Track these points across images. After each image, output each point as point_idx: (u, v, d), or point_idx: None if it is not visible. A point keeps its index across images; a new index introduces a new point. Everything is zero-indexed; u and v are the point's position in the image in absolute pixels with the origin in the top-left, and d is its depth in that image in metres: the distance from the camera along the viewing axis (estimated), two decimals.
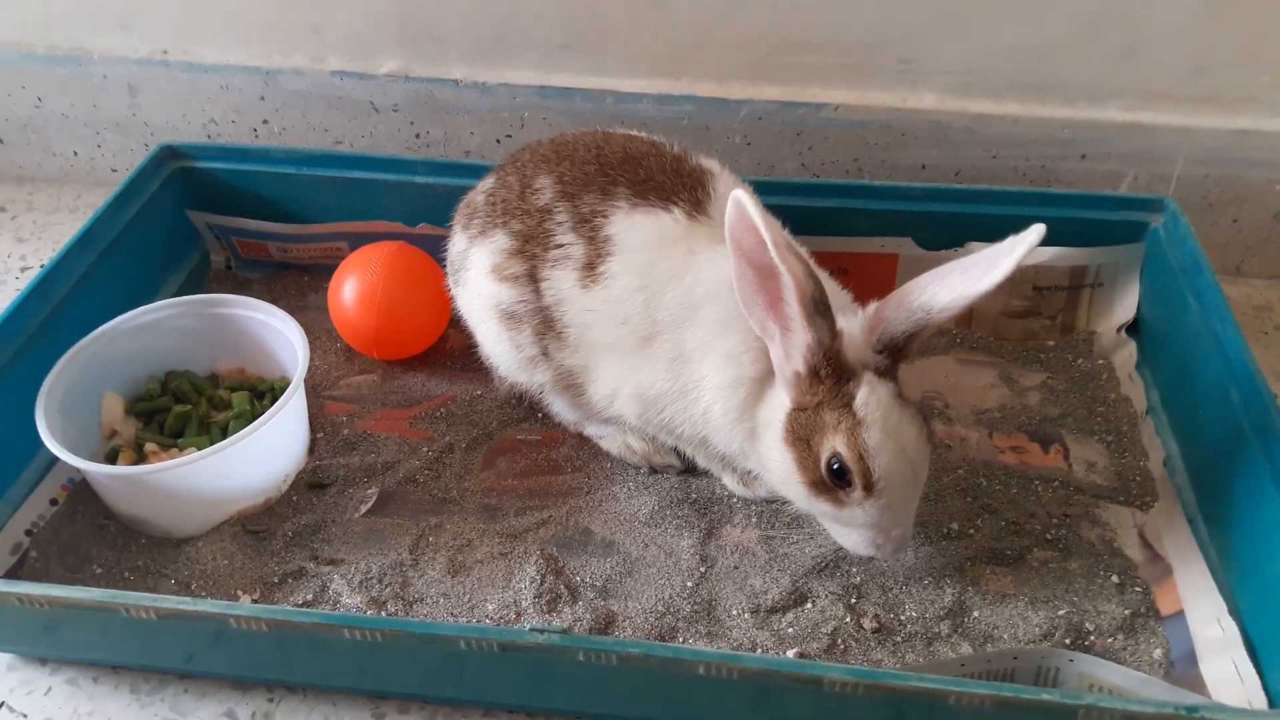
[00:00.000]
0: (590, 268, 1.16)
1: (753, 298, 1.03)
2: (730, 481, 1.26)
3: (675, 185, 1.18)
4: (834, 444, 1.03)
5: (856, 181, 1.57)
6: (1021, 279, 1.45)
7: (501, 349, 1.27)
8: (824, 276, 1.18)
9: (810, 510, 1.11)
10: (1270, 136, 1.52)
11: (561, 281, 1.18)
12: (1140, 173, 1.58)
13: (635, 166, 1.19)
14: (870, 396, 1.03)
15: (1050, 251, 1.43)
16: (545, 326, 1.21)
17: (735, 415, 1.12)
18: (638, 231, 1.15)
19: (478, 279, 1.25)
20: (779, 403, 1.09)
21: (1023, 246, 0.99)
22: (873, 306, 1.08)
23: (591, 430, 1.34)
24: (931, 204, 1.45)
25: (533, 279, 1.20)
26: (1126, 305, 1.44)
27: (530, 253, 1.19)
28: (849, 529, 1.08)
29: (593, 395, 1.23)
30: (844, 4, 1.52)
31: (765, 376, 1.11)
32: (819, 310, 1.01)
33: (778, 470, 1.10)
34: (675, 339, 1.14)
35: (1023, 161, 1.59)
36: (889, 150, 1.62)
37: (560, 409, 1.33)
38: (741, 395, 1.11)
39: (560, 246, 1.17)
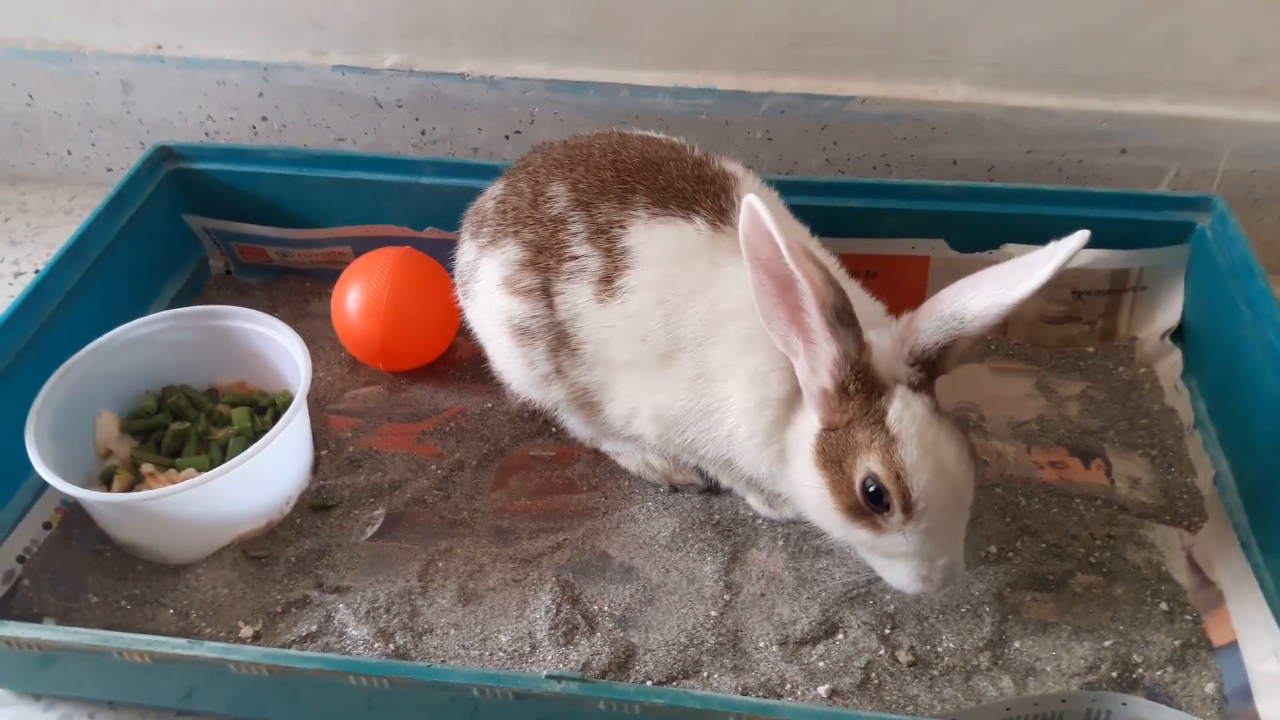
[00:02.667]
0: (607, 281, 1.10)
1: (772, 310, 0.97)
2: (756, 502, 1.20)
3: (697, 193, 1.11)
4: (868, 464, 0.96)
5: (885, 180, 1.50)
6: (1060, 283, 1.38)
7: (514, 366, 1.21)
8: (854, 287, 1.12)
9: (848, 540, 1.05)
10: None
11: (577, 295, 1.11)
12: (1183, 168, 1.50)
13: (655, 173, 1.12)
14: (904, 411, 0.97)
15: (1090, 254, 1.36)
16: (559, 343, 1.15)
17: (762, 438, 1.06)
18: (658, 243, 1.08)
19: (488, 292, 1.18)
20: (808, 424, 1.02)
21: (1063, 252, 0.92)
22: (906, 317, 1.01)
23: (609, 446, 1.27)
24: (965, 203, 1.38)
25: (546, 292, 1.13)
26: (1171, 310, 1.37)
27: (543, 264, 1.13)
28: (891, 560, 1.01)
29: (610, 415, 1.17)
30: None
31: (793, 397, 1.04)
32: (842, 320, 0.94)
33: (810, 496, 1.03)
34: (697, 357, 1.08)
35: (1059, 156, 1.52)
36: (918, 145, 1.54)
37: (575, 426, 1.27)
38: (769, 417, 1.05)
39: (575, 259, 1.11)
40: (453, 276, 1.31)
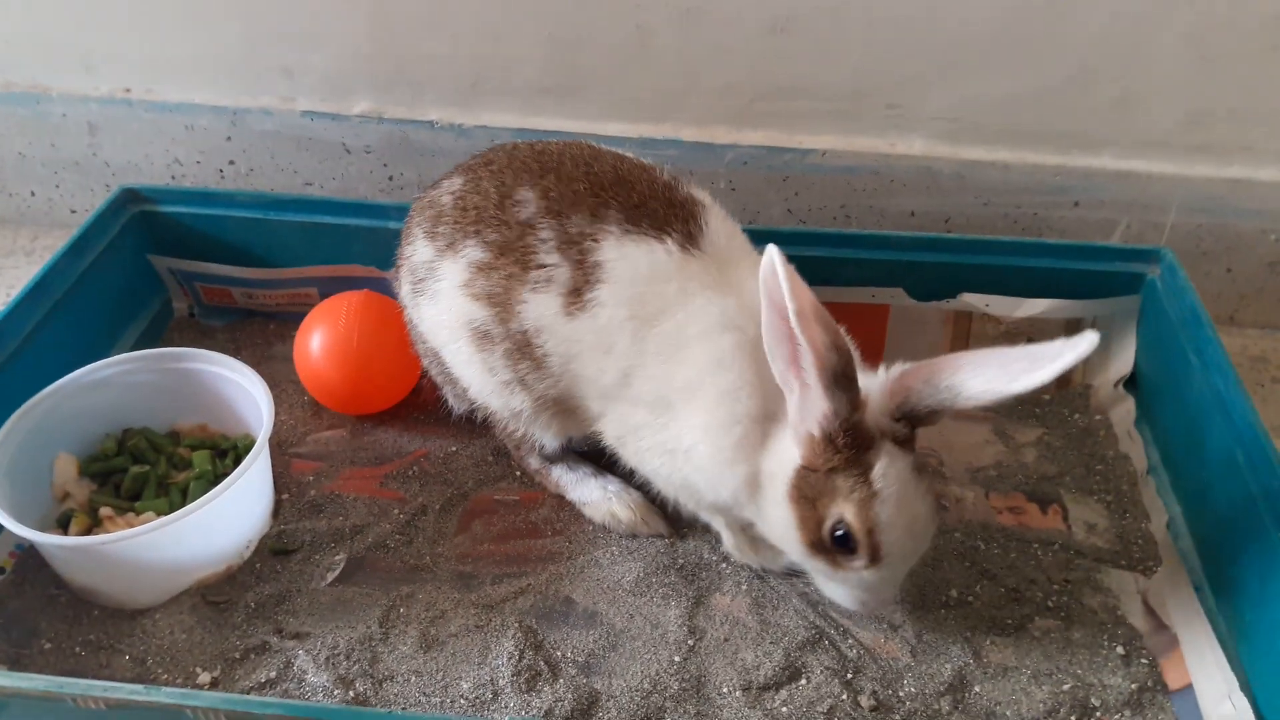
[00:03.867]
0: (576, 294, 1.09)
1: (778, 347, 0.97)
2: (729, 541, 1.20)
3: (668, 214, 1.10)
4: (843, 511, 0.98)
5: (845, 230, 1.53)
6: (1015, 332, 1.41)
7: (472, 371, 1.19)
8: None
9: (802, 564, 1.09)
10: (1264, 186, 1.49)
11: (543, 306, 1.10)
12: (1133, 221, 1.55)
13: (628, 190, 1.12)
14: (889, 469, 0.98)
15: (1044, 304, 1.40)
16: (520, 352, 1.14)
17: (730, 454, 1.05)
18: (629, 261, 1.08)
19: (448, 293, 1.16)
20: (788, 455, 1.02)
21: (1070, 355, 0.92)
22: (897, 369, 1.02)
23: (575, 496, 1.27)
24: (923, 253, 1.41)
25: (507, 297, 1.12)
26: (1123, 359, 1.40)
27: (507, 270, 1.12)
28: (839, 586, 1.06)
29: (582, 423, 1.19)
30: (831, 48, 1.49)
31: (766, 418, 1.05)
32: (838, 383, 0.95)
33: (776, 525, 1.05)
34: (661, 374, 1.08)
35: (1014, 209, 1.56)
36: (877, 196, 1.58)
37: (541, 436, 1.24)
38: (737, 434, 1.05)
39: (543, 267, 1.10)
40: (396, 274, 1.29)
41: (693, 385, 1.07)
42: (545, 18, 1.51)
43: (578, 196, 1.11)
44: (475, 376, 1.20)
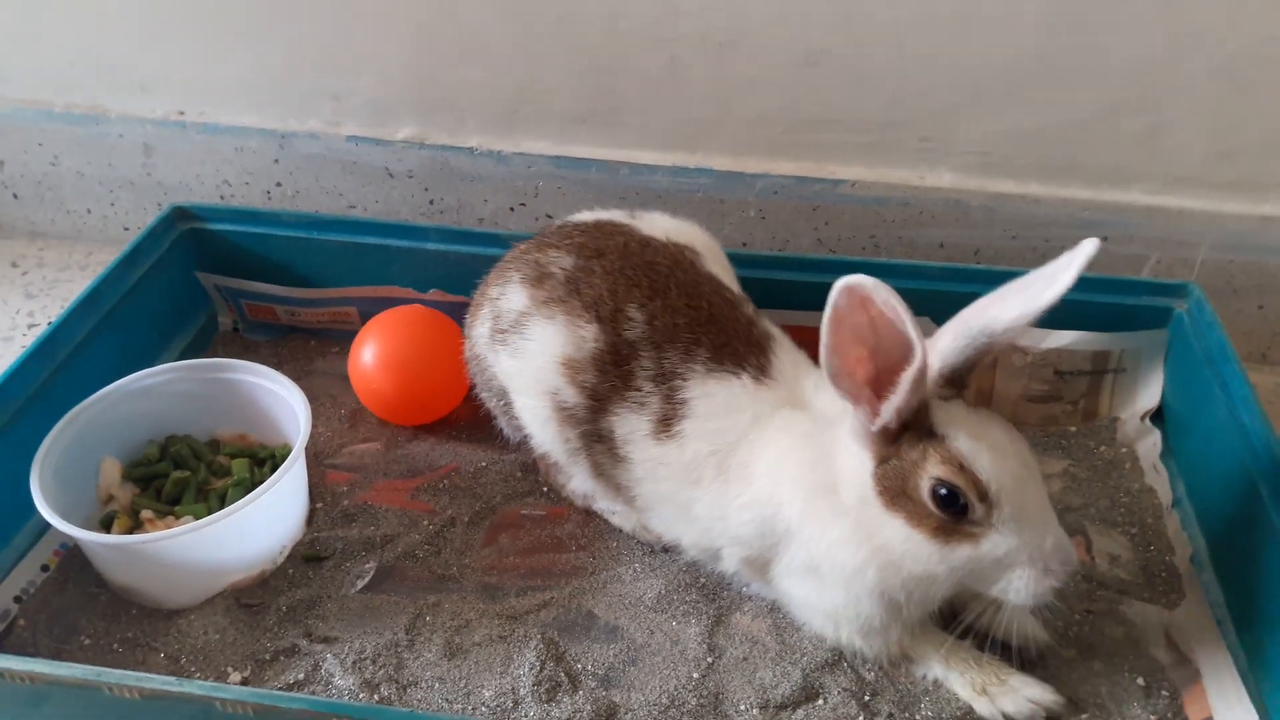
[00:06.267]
0: (665, 423, 1.14)
1: (851, 369, 0.98)
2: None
3: (746, 351, 1.16)
4: (930, 472, 0.98)
5: (874, 259, 1.55)
6: (1043, 363, 1.42)
7: (544, 431, 1.23)
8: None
9: (956, 574, 1.01)
10: None
11: (634, 425, 1.15)
12: (1164, 257, 1.55)
13: (718, 329, 1.16)
14: (944, 414, 1.00)
15: (1072, 335, 1.40)
16: (599, 439, 1.18)
17: (806, 491, 1.08)
18: (711, 399, 1.13)
19: (541, 356, 1.18)
20: (859, 475, 1.03)
21: (1080, 259, 0.98)
22: (919, 348, 1.03)
23: (601, 505, 1.30)
24: (950, 284, 1.42)
25: (604, 400, 1.16)
26: (1150, 392, 1.41)
27: (611, 377, 1.16)
28: (1006, 570, 0.99)
29: (655, 525, 1.24)
30: (862, 81, 1.52)
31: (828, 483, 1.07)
32: (924, 375, 0.97)
33: (906, 543, 1.00)
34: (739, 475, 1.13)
35: (1043, 243, 1.57)
36: (906, 228, 1.60)
37: (579, 482, 1.29)
38: (809, 483, 1.08)
39: (639, 390, 1.15)
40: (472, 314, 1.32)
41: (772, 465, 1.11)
42: (582, 48, 1.55)
43: (676, 330, 1.15)
44: (544, 435, 1.24)
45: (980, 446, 0.97)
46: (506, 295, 1.23)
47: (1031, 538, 0.98)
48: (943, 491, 0.97)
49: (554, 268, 1.21)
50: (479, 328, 1.28)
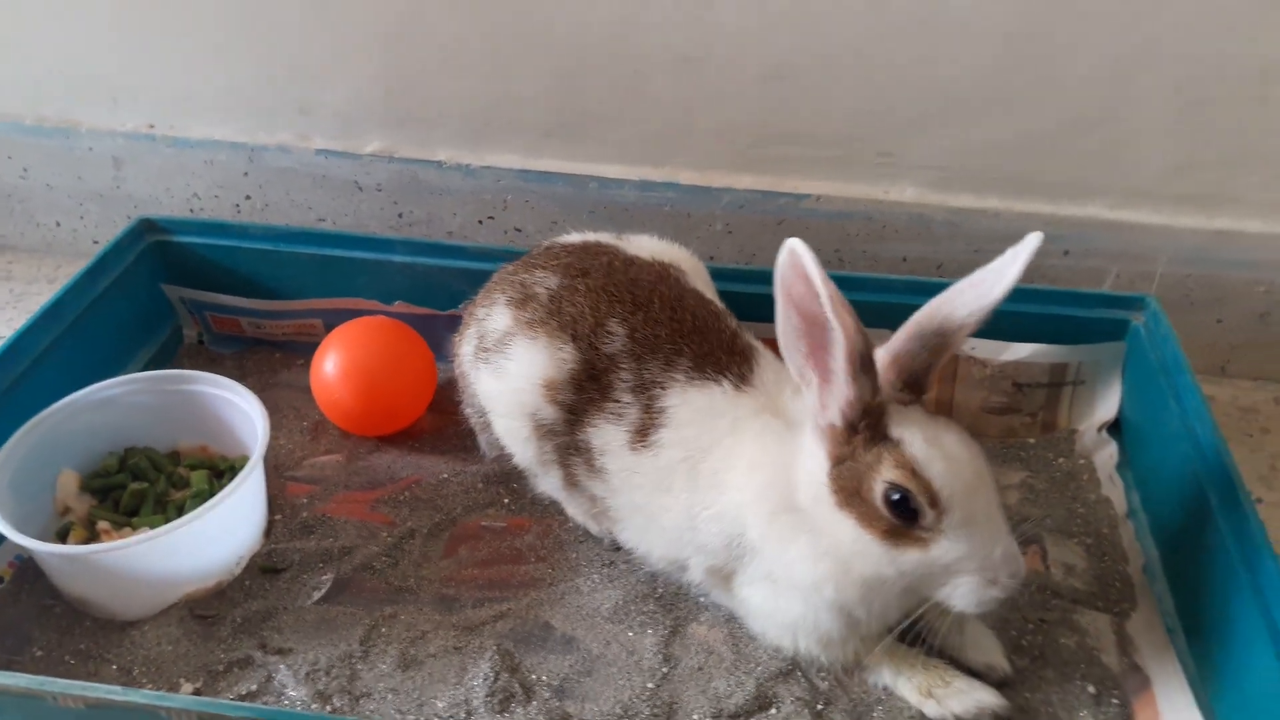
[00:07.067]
0: (642, 434, 1.15)
1: (795, 343, 1.01)
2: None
3: (729, 360, 1.17)
4: (884, 475, 0.98)
5: (837, 272, 1.55)
6: (1001, 375, 1.43)
7: (523, 449, 1.25)
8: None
9: (905, 577, 1.01)
10: (1251, 237, 1.51)
11: (611, 436, 1.16)
12: (1123, 270, 1.57)
13: (701, 339, 1.17)
14: (901, 419, 1.01)
15: (1030, 348, 1.42)
16: (577, 451, 1.19)
17: (771, 507, 1.09)
18: (690, 406, 1.14)
19: (522, 377, 1.19)
20: (817, 470, 1.03)
21: (1025, 252, 1.01)
22: (884, 348, 1.06)
23: (562, 496, 1.31)
24: (913, 296, 1.41)
25: (582, 414, 1.17)
26: (1108, 404, 1.42)
27: (590, 392, 1.17)
28: (953, 577, 0.99)
29: (625, 537, 1.24)
30: (825, 97, 1.53)
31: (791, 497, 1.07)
32: (865, 368, 0.98)
33: (853, 543, 1.01)
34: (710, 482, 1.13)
35: None
36: (870, 242, 1.61)
37: (551, 489, 1.31)
38: (775, 499, 1.08)
39: (618, 402, 1.16)
40: (460, 332, 1.33)
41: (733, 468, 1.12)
42: (549, 63, 1.57)
43: (658, 341, 1.16)
44: (522, 451, 1.26)
45: (935, 453, 0.98)
46: (492, 316, 1.25)
47: (981, 547, 0.99)
48: (895, 496, 0.98)
49: (539, 288, 1.23)
50: (464, 346, 1.30)
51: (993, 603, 0.99)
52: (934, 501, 0.97)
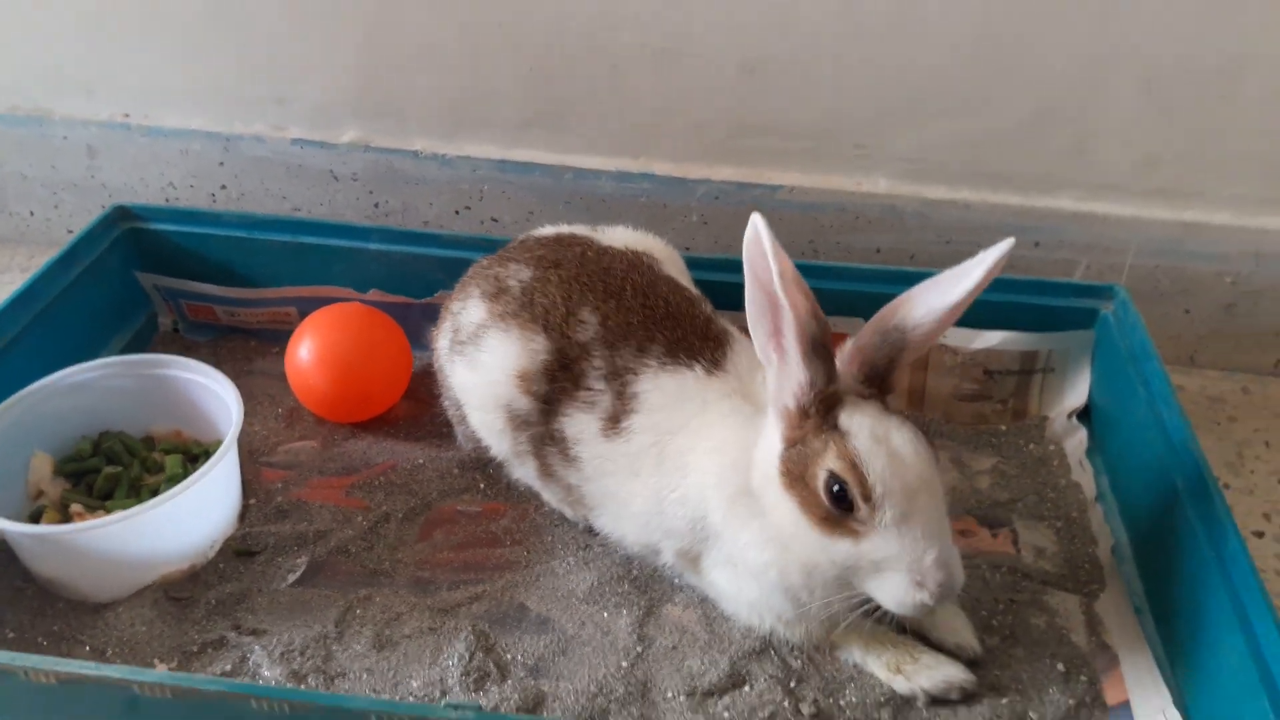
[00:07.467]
0: (614, 420, 1.16)
1: (759, 319, 1.02)
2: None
3: (702, 345, 1.18)
4: (826, 464, 0.99)
5: (810, 261, 1.57)
6: (972, 362, 1.45)
7: (498, 441, 1.26)
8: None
9: (836, 566, 1.01)
10: (1217, 230, 1.54)
11: (584, 424, 1.17)
12: (1094, 262, 1.59)
13: (674, 325, 1.18)
14: (854, 411, 1.01)
15: (1000, 336, 1.43)
16: (551, 440, 1.20)
17: (730, 491, 1.10)
18: (661, 391, 1.15)
19: (496, 369, 1.21)
20: (772, 449, 1.05)
21: (992, 256, 1.01)
22: (849, 342, 1.08)
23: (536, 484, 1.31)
24: (884, 285, 1.44)
25: (555, 403, 1.18)
26: (1078, 391, 1.44)
27: (562, 381, 1.18)
28: (883, 573, 0.99)
29: (599, 524, 1.25)
30: (800, 91, 1.55)
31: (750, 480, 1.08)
32: (817, 352, 0.99)
33: (791, 525, 1.03)
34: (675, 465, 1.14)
35: (975, 247, 1.54)
36: (843, 233, 1.63)
37: (527, 479, 1.31)
38: (735, 483, 1.10)
39: (590, 390, 1.17)
40: (439, 323, 1.33)
41: (696, 451, 1.13)
42: (525, 54, 1.58)
43: (630, 329, 1.17)
44: (497, 443, 1.27)
45: (879, 450, 0.99)
46: (467, 309, 1.26)
47: (912, 549, 0.98)
48: (835, 487, 0.99)
49: (512, 280, 1.24)
50: (441, 340, 1.31)
51: (918, 607, 0.99)
52: (868, 496, 0.98)
